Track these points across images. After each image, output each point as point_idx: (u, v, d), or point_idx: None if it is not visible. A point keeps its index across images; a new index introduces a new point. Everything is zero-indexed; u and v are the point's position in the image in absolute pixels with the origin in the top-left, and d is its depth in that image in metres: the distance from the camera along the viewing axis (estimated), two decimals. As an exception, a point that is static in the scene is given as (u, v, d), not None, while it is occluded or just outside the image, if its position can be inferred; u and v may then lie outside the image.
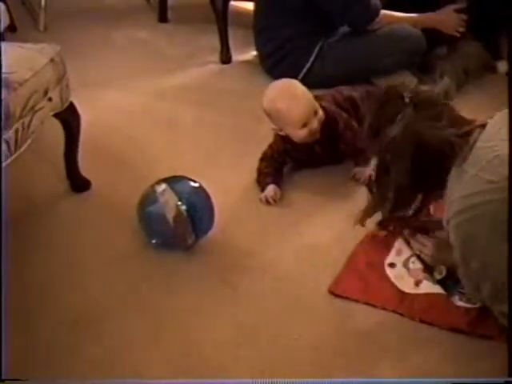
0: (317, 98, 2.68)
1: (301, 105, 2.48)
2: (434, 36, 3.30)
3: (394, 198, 1.87)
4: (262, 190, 2.51)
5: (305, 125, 2.48)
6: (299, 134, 2.50)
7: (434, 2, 3.33)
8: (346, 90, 2.77)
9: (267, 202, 2.47)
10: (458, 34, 3.30)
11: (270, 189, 2.50)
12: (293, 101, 2.47)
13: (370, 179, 2.21)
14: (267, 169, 2.57)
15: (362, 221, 2.09)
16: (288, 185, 2.56)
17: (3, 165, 1.98)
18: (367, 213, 2.05)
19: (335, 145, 2.59)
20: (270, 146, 2.63)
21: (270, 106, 2.51)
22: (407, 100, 1.81)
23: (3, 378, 1.59)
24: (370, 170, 2.40)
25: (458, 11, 3.28)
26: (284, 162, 2.62)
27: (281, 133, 2.55)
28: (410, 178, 1.82)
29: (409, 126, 1.79)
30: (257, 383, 1.73)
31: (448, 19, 3.27)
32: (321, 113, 2.52)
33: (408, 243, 2.23)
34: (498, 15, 3.31)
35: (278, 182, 2.53)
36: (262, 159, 2.61)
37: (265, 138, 2.73)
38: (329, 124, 2.55)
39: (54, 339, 1.90)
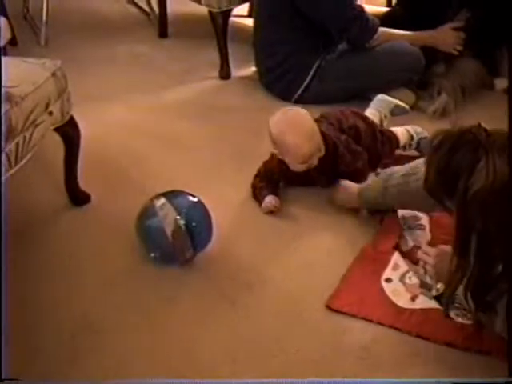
0: (322, 116, 2.69)
1: (307, 144, 2.46)
2: (432, 53, 3.32)
3: (478, 258, 1.67)
4: (261, 203, 2.52)
5: (305, 161, 2.49)
6: (297, 167, 2.52)
7: (433, 19, 3.35)
8: (351, 117, 2.75)
9: (270, 212, 2.49)
10: (456, 52, 3.32)
11: (269, 199, 2.51)
12: (300, 138, 2.46)
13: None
14: (262, 183, 2.58)
15: (449, 297, 1.88)
16: (285, 200, 2.56)
17: (4, 178, 1.99)
18: (451, 287, 1.82)
19: (333, 167, 2.58)
20: (265, 164, 2.64)
21: (277, 135, 2.51)
22: (487, 145, 1.63)
23: (3, 378, 1.60)
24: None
25: (456, 29, 3.31)
26: (278, 180, 2.62)
27: (280, 157, 2.55)
28: (498, 233, 1.63)
29: (496, 175, 1.59)
30: (257, 383, 1.74)
31: (446, 37, 3.30)
32: (323, 150, 2.51)
33: (404, 257, 2.24)
34: (495, 33, 3.34)
35: (275, 193, 2.55)
36: (256, 176, 2.62)
37: (264, 153, 2.74)
38: (328, 151, 2.55)
39: (54, 351, 1.91)
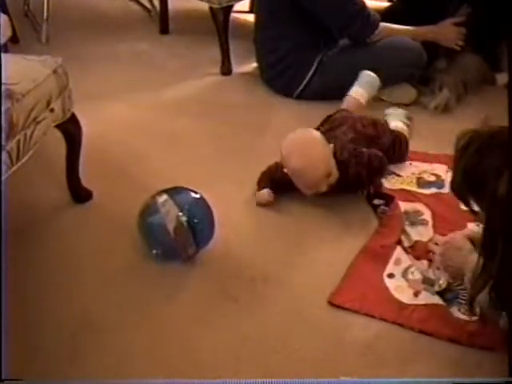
0: (333, 126, 2.66)
1: (313, 171, 2.42)
2: (433, 49, 3.31)
3: (505, 260, 1.64)
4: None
5: (311, 188, 2.46)
6: (306, 192, 2.49)
7: (434, 15, 3.35)
8: (370, 128, 2.70)
9: (261, 205, 2.51)
10: (457, 47, 3.32)
11: (264, 192, 2.53)
12: (309, 164, 2.42)
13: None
14: (267, 178, 2.59)
15: (473, 297, 1.84)
16: (287, 196, 2.56)
17: (5, 176, 1.99)
18: (476, 288, 1.79)
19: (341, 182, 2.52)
20: (276, 169, 2.60)
21: (285, 156, 2.49)
22: None
23: (3, 378, 1.59)
24: None
25: (457, 24, 3.30)
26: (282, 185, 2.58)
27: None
28: None
29: None
30: (257, 383, 1.74)
31: (447, 32, 3.29)
32: (334, 175, 2.46)
33: (407, 252, 2.24)
34: (496, 28, 3.33)
35: (273, 189, 2.54)
36: (264, 172, 2.62)
37: (265, 149, 2.76)
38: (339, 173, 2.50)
39: (55, 349, 1.90)
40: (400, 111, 3.02)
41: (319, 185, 2.45)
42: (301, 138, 2.52)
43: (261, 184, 2.58)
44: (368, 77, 3.02)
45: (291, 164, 2.46)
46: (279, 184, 2.56)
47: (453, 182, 1.80)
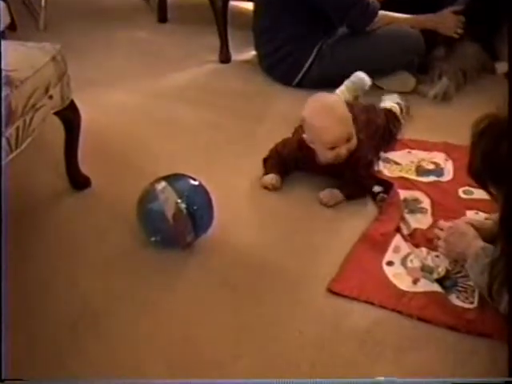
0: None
1: (336, 128, 2.44)
2: (432, 37, 3.31)
3: None
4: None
5: (334, 148, 2.47)
6: (326, 154, 2.50)
7: (433, 3, 3.35)
8: (363, 113, 2.74)
9: (265, 188, 2.53)
10: (456, 36, 3.32)
11: (270, 176, 2.54)
12: (330, 122, 2.44)
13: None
14: (273, 160, 2.60)
15: (492, 281, 1.81)
16: (286, 183, 2.57)
17: (4, 162, 1.99)
18: (493, 271, 1.79)
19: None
20: (283, 146, 2.63)
21: (308, 117, 2.50)
22: None
23: (3, 378, 1.59)
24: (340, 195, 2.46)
25: (456, 13, 3.30)
26: (290, 166, 2.61)
27: (311, 145, 2.52)
28: None
29: None
30: (256, 383, 1.74)
31: (446, 21, 3.29)
32: (354, 141, 2.49)
33: (406, 240, 2.24)
34: (495, 16, 3.33)
35: (280, 173, 2.56)
36: (271, 152, 2.64)
37: (264, 136, 2.76)
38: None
39: (55, 338, 1.90)
40: (395, 95, 3.04)
41: (339, 145, 2.46)
42: (325, 100, 2.55)
43: (268, 164, 2.60)
44: (355, 77, 3.05)
45: (315, 122, 2.47)
46: (286, 161, 2.59)
47: (470, 167, 1.79)
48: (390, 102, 2.96)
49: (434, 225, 2.25)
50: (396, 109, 2.89)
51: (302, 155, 2.57)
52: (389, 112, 2.86)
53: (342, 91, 3.00)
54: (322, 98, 2.56)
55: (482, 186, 1.80)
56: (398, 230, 2.30)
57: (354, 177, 2.50)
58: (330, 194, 2.48)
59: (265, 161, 2.63)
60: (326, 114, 2.47)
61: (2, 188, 1.79)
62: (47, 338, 1.90)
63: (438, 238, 2.14)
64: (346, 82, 3.03)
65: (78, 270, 2.15)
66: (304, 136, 2.53)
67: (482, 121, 1.73)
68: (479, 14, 3.34)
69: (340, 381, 1.78)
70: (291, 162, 2.60)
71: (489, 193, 1.81)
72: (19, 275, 2.01)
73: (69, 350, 1.87)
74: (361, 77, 3.04)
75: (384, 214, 2.39)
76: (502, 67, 3.46)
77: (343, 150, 2.47)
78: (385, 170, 2.65)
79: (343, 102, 2.58)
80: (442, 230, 2.13)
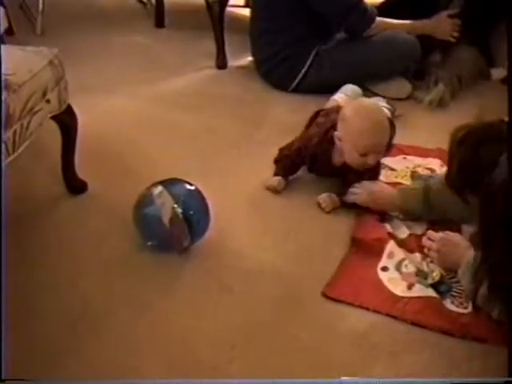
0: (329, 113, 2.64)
1: (374, 136, 2.41)
2: (428, 42, 3.33)
3: (503, 249, 1.66)
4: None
5: (365, 154, 2.43)
6: (353, 158, 2.45)
7: (428, 7, 3.36)
8: None
9: (268, 189, 2.54)
10: (452, 40, 3.34)
11: (276, 180, 2.54)
12: (371, 128, 2.40)
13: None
14: (287, 161, 2.61)
15: (475, 289, 1.87)
16: (286, 187, 2.58)
17: (4, 164, 1.99)
18: (477, 280, 1.83)
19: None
20: (301, 138, 2.63)
21: (350, 117, 2.45)
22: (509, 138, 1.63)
23: (3, 378, 1.60)
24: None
25: (451, 16, 3.32)
26: (298, 167, 2.62)
27: (338, 142, 2.48)
28: None
29: None
30: (256, 383, 1.75)
31: (442, 25, 3.31)
32: (382, 153, 2.48)
33: (400, 246, 2.25)
34: (491, 19, 3.36)
35: (286, 176, 2.57)
36: (283, 150, 2.64)
37: (261, 141, 2.76)
38: None
39: (54, 338, 1.90)
40: (380, 99, 3.05)
41: (371, 153, 2.43)
42: (371, 105, 2.55)
43: (279, 165, 2.61)
44: (352, 87, 3.08)
45: (356, 124, 2.42)
46: (300, 160, 2.59)
47: (448, 176, 1.81)
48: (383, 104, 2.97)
49: (424, 234, 2.25)
50: (387, 113, 2.89)
51: (320, 151, 2.54)
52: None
53: (342, 98, 3.00)
54: (369, 102, 2.56)
55: (460, 194, 1.81)
56: (392, 235, 2.31)
57: (358, 181, 2.49)
58: (329, 198, 2.47)
59: (277, 161, 2.63)
60: (369, 119, 2.42)
61: (3, 191, 1.80)
62: (46, 338, 1.90)
63: (429, 249, 2.15)
64: (344, 92, 3.04)
65: (77, 271, 2.15)
66: (336, 133, 2.48)
67: (459, 130, 1.75)
68: (475, 16, 3.36)
69: (340, 381, 1.79)
70: (305, 158, 2.57)
71: (467, 202, 1.82)
72: (18, 277, 2.01)
73: (68, 351, 1.87)
74: (351, 87, 3.07)
75: (366, 217, 2.40)
76: (497, 73, 3.47)
77: (371, 160, 2.44)
78: (380, 175, 2.65)
79: (386, 112, 2.55)
80: (431, 240, 2.15)
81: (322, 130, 2.56)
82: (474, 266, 1.77)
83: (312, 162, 2.59)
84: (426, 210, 2.32)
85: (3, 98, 1.96)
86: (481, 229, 1.73)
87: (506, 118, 1.72)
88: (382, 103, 2.99)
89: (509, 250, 1.65)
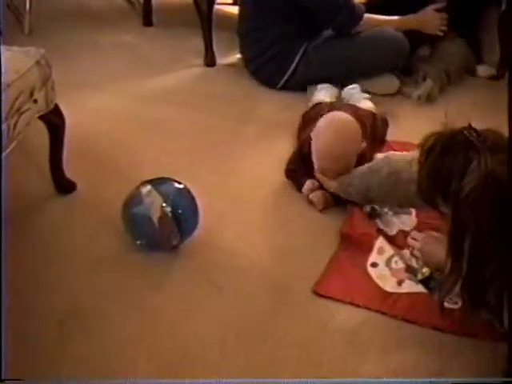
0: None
1: (331, 161, 2.43)
2: (416, 37, 3.34)
3: (472, 259, 1.65)
4: (299, 186, 2.54)
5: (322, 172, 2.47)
6: (317, 170, 2.49)
7: (414, 2, 3.37)
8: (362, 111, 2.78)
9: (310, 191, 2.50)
10: (440, 34, 3.34)
11: (309, 183, 2.51)
12: (329, 152, 2.42)
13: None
14: (296, 165, 2.59)
15: (443, 297, 1.86)
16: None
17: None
18: (447, 288, 1.80)
19: None
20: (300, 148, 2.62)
21: (315, 133, 2.49)
22: (478, 145, 1.61)
23: (3, 378, 1.59)
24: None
25: (438, 10, 3.32)
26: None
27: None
28: (491, 233, 1.61)
29: (489, 175, 1.57)
30: (255, 383, 1.75)
31: (429, 19, 3.32)
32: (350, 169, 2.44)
33: (390, 242, 2.26)
34: (478, 10, 3.38)
35: (312, 176, 2.53)
36: (290, 165, 2.62)
37: (250, 139, 2.76)
38: None
39: (41, 339, 1.90)
40: (362, 95, 3.07)
41: (330, 173, 2.44)
42: (340, 119, 2.52)
43: (294, 181, 2.58)
44: (327, 87, 3.12)
45: (318, 141, 2.45)
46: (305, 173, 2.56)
47: (419, 186, 1.79)
48: (367, 102, 2.99)
49: (408, 234, 2.24)
50: (374, 109, 2.91)
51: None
52: (377, 115, 2.86)
53: (325, 96, 3.02)
54: (340, 117, 2.53)
55: (431, 203, 1.79)
56: (381, 231, 2.31)
57: None
58: (322, 195, 2.47)
59: (290, 178, 2.60)
60: (334, 136, 2.43)
61: (3, 190, 1.81)
62: (35, 337, 1.90)
63: (413, 248, 2.15)
64: (322, 92, 3.06)
65: (64, 272, 2.15)
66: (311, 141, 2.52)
67: (428, 139, 1.74)
68: (461, 9, 3.37)
69: (340, 380, 1.80)
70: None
71: (440, 212, 1.80)
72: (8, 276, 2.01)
73: (57, 350, 1.87)
74: (327, 86, 3.12)
75: (354, 213, 2.39)
76: (482, 70, 3.49)
77: (331, 177, 2.44)
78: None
79: (355, 139, 2.49)
80: (415, 239, 2.15)
81: (310, 134, 2.57)
82: (446, 272, 1.76)
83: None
84: (362, 199, 2.36)
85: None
86: (450, 238, 1.71)
87: (496, 115, 1.73)
88: (365, 98, 3.01)
89: (478, 258, 1.65)
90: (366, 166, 2.34)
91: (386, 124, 2.87)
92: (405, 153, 2.29)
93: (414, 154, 1.86)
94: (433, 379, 1.80)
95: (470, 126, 1.68)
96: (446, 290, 1.81)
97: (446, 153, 1.67)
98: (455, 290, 1.77)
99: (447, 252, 1.73)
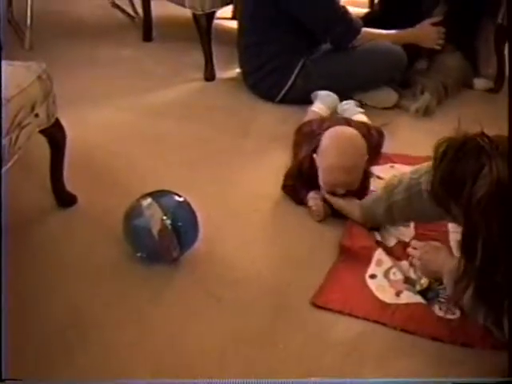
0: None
1: (340, 175, 2.45)
2: (414, 50, 3.35)
3: (484, 263, 1.68)
4: (300, 202, 2.55)
5: (330, 189, 2.48)
6: (322, 185, 2.51)
7: (411, 17, 3.39)
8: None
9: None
10: (438, 47, 3.36)
11: (313, 193, 2.53)
12: (338, 166, 2.44)
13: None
14: (296, 182, 2.59)
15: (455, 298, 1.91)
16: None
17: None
18: (458, 292, 1.82)
19: None
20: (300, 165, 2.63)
21: (322, 148, 2.51)
22: (490, 151, 1.65)
23: (3, 378, 1.60)
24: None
25: (435, 24, 3.34)
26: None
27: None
28: (501, 236, 1.63)
29: (500, 181, 1.61)
30: (254, 383, 1.76)
31: (427, 33, 3.34)
32: (355, 185, 2.48)
33: (388, 253, 2.27)
34: (475, 24, 3.39)
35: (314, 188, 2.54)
36: (287, 180, 2.62)
37: (249, 152, 2.77)
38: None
39: (43, 348, 1.91)
40: (355, 108, 3.08)
41: (339, 188, 2.46)
42: (347, 136, 2.55)
43: (293, 196, 2.58)
44: (327, 95, 3.12)
45: (325, 158, 2.48)
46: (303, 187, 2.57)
47: (432, 190, 1.83)
48: (361, 116, 3.00)
49: (409, 244, 2.27)
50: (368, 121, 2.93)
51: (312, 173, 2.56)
52: (371, 126, 2.88)
53: (322, 109, 3.03)
54: (347, 133, 2.56)
55: (446, 209, 1.82)
56: (380, 243, 2.33)
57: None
58: (322, 206, 2.48)
59: (287, 192, 2.60)
60: (339, 147, 2.47)
61: (3, 203, 1.82)
62: (35, 348, 1.91)
63: (413, 257, 2.17)
64: (322, 100, 3.08)
65: (65, 285, 2.16)
66: (314, 156, 2.54)
67: (440, 145, 1.76)
68: (458, 22, 3.39)
69: (340, 381, 1.80)
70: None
71: (453, 216, 1.83)
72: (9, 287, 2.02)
73: (57, 357, 1.88)
74: (330, 93, 3.12)
75: (353, 225, 2.41)
76: (479, 83, 3.50)
77: (339, 191, 2.47)
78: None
79: (362, 152, 2.52)
80: (415, 248, 2.17)
81: (309, 151, 2.59)
82: (458, 275, 1.78)
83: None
84: (389, 222, 2.38)
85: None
86: (463, 241, 1.74)
87: (494, 128, 1.74)
88: (359, 111, 3.03)
89: (490, 261, 1.67)
90: (381, 186, 2.36)
91: (381, 135, 2.87)
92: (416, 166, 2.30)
93: (426, 164, 1.92)
94: (433, 379, 1.81)
95: (482, 133, 1.71)
96: (459, 292, 1.82)
97: (458, 158, 1.70)
98: (466, 295, 1.79)
99: (460, 255, 1.76)
